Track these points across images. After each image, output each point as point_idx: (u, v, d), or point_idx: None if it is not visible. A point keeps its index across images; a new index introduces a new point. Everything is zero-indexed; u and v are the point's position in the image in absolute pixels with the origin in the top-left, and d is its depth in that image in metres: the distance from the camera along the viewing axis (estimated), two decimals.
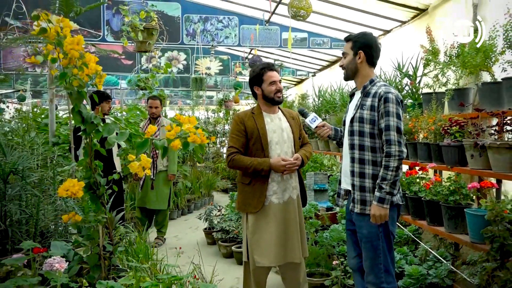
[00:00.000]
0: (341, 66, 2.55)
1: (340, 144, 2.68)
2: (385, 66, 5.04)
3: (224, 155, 11.00)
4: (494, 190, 2.92)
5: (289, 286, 3.00)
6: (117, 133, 2.11)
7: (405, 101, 4.38)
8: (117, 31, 6.40)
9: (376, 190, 2.27)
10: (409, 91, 4.46)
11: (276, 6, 5.95)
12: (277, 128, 2.88)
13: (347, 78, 2.53)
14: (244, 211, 2.87)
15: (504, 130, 2.70)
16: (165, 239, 5.08)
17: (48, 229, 3.08)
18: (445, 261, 2.78)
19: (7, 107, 11.96)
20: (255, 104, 3.06)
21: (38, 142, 3.65)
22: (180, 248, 3.78)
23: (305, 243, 2.96)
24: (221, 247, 4.50)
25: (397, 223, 3.48)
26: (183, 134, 1.96)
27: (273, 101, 2.88)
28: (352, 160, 2.39)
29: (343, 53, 2.53)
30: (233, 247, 4.33)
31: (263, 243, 2.75)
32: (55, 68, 1.78)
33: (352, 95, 2.62)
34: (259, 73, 2.87)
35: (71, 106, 1.97)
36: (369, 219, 2.29)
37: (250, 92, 3.12)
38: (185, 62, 9.46)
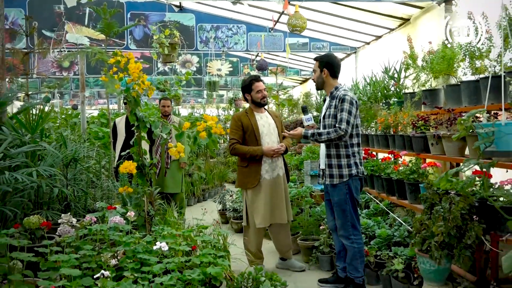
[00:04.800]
0: (312, 79, 3.39)
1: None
2: (375, 69, 5.75)
3: None
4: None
5: (279, 244, 3.86)
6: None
7: (391, 99, 5.12)
8: (139, 40, 7.24)
9: (314, 132, 3.13)
10: (394, 91, 5.21)
11: (280, 16, 6.72)
12: (266, 123, 3.75)
13: (317, 88, 3.42)
14: (244, 187, 3.76)
15: (453, 123, 3.46)
16: (185, 219, 5.87)
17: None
18: (405, 224, 3.55)
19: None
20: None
21: (84, 137, 4.49)
22: (206, 209, 4.70)
23: (290, 210, 3.83)
24: (233, 224, 5.34)
25: (374, 198, 4.26)
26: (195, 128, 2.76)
27: (259, 104, 3.76)
28: (328, 146, 3.22)
29: (313, 70, 3.36)
30: (243, 223, 5.12)
31: (260, 210, 3.62)
32: (117, 84, 2.58)
33: (324, 100, 3.45)
34: (249, 84, 3.75)
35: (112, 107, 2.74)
36: (339, 189, 3.12)
37: None
38: (197, 65, 10.27)
